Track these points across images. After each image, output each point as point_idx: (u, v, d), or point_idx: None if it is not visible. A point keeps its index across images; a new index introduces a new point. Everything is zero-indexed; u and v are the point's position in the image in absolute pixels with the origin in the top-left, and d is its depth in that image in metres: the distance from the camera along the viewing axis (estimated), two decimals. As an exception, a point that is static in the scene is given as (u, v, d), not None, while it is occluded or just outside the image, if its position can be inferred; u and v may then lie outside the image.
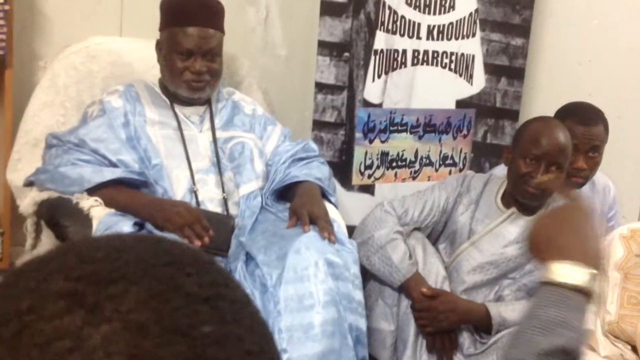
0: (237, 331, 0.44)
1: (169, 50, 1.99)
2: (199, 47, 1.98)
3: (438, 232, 2.14)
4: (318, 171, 2.11)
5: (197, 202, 1.95)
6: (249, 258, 1.86)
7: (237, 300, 0.46)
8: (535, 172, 1.92)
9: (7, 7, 2.08)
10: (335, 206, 2.12)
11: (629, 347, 1.64)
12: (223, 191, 2.00)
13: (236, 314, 0.45)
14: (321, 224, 1.89)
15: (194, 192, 1.96)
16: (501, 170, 2.16)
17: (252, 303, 0.48)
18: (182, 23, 1.98)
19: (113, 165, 1.92)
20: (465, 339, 1.97)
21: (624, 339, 1.64)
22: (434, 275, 1.99)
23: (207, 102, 2.11)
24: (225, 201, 2.00)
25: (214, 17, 2.04)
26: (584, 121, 2.14)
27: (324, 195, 2.10)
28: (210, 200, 1.98)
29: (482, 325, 1.95)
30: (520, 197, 2.00)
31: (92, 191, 1.86)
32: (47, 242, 1.92)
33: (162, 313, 0.42)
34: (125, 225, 1.77)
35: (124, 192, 1.87)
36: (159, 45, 2.05)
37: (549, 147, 1.91)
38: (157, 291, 0.43)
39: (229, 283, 0.47)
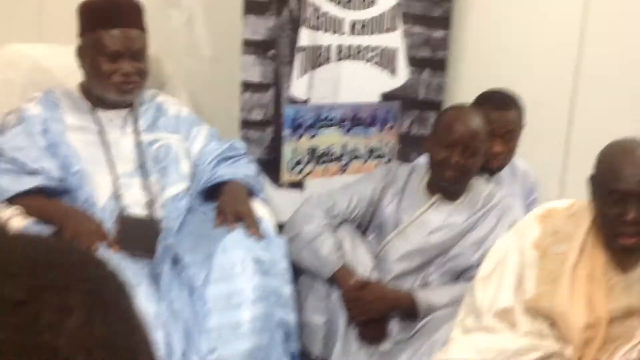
0: (44, 340, 0.42)
1: (95, 53, 1.97)
2: (127, 48, 1.96)
3: (366, 223, 2.17)
4: (244, 169, 2.12)
5: (121, 207, 1.94)
6: (176, 260, 1.86)
7: (66, 308, 0.43)
8: (451, 157, 1.98)
9: None
10: (264, 203, 2.14)
11: (547, 323, 1.69)
12: (148, 194, 2.00)
13: (55, 325, 0.43)
14: (247, 221, 1.90)
15: (117, 196, 1.95)
16: (425, 159, 2.20)
17: (94, 313, 0.44)
18: (106, 25, 1.96)
19: (33, 173, 1.89)
20: (394, 326, 2.01)
21: (544, 315, 1.70)
22: (362, 265, 2.03)
23: (130, 105, 2.10)
24: (150, 204, 1.99)
25: (137, 18, 2.03)
26: (499, 106, 2.20)
27: (252, 193, 2.11)
28: (136, 204, 1.97)
29: (410, 311, 1.99)
30: (440, 183, 2.05)
31: (11, 200, 1.84)
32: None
33: None
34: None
35: (42, 201, 1.85)
36: (81, 51, 2.02)
37: (461, 133, 1.97)
38: None
39: (70, 287, 0.45)
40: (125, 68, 1.96)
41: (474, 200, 2.09)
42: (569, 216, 1.72)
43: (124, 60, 1.96)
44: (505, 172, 2.30)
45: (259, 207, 2.07)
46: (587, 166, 1.71)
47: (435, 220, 2.07)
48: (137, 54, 1.98)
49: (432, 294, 1.98)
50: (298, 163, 2.53)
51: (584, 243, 1.67)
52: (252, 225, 1.90)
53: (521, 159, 2.37)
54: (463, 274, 2.05)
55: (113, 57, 1.95)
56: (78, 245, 0.51)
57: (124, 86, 1.98)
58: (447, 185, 2.05)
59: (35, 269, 0.45)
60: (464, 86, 2.72)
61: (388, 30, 2.60)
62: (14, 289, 0.43)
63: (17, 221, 1.79)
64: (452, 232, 2.06)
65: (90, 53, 1.97)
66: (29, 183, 1.85)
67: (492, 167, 2.22)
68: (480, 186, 2.12)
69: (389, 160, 2.63)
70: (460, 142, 1.98)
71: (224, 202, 1.97)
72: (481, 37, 2.75)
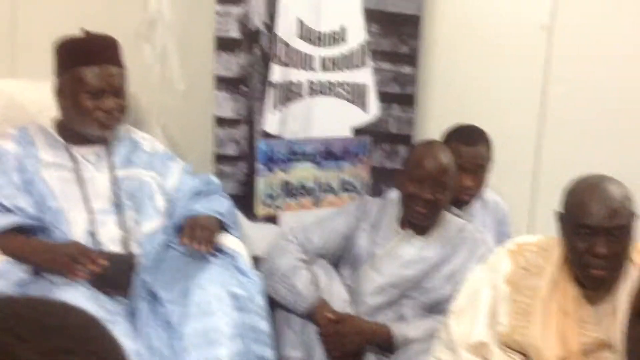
0: None
1: (76, 91, 1.98)
2: (110, 85, 1.99)
3: (341, 257, 2.19)
4: (219, 205, 2.14)
5: (97, 244, 1.94)
6: (153, 297, 1.86)
7: None
8: (421, 192, 2.02)
9: None
10: (238, 238, 2.15)
11: (522, 357, 1.73)
12: (124, 230, 2.00)
13: None
14: (203, 233, 1.92)
15: (92, 233, 1.95)
16: (396, 193, 2.24)
17: None
18: (86, 63, 1.98)
19: (8, 211, 1.88)
20: (370, 359, 2.03)
21: (517, 349, 1.73)
22: (338, 299, 2.05)
23: (105, 141, 2.10)
24: (125, 240, 1.99)
25: (116, 54, 2.06)
26: (467, 141, 2.27)
27: (224, 229, 2.12)
28: (111, 241, 1.97)
29: (386, 344, 2.02)
30: (410, 218, 2.10)
31: (-14, 239, 1.83)
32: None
33: None
34: (22, 273, 1.75)
35: (17, 239, 1.85)
36: (60, 88, 2.02)
37: (430, 168, 2.03)
38: None
39: (76, 349, 0.49)
40: (107, 104, 1.98)
41: (445, 234, 2.14)
42: (539, 251, 1.77)
43: (106, 97, 1.98)
44: (476, 205, 2.36)
45: (234, 242, 2.09)
46: (555, 199, 1.77)
47: (408, 254, 2.11)
48: (118, 90, 2.01)
49: (408, 327, 2.01)
50: (272, 197, 2.55)
51: (554, 277, 1.71)
52: (196, 236, 1.91)
53: (490, 191, 2.43)
54: (437, 307, 2.08)
55: (95, 94, 1.97)
56: (77, 308, 0.56)
57: (106, 122, 2.00)
58: (417, 219, 2.09)
59: (44, 334, 0.49)
60: (433, 121, 2.79)
61: (357, 66, 2.66)
62: (29, 352, 0.47)
63: (-7, 260, 1.78)
64: (425, 265, 2.10)
65: (71, 90, 1.98)
66: (4, 221, 1.84)
67: (462, 200, 2.28)
68: (451, 220, 2.17)
69: (362, 194, 2.67)
70: (429, 177, 2.03)
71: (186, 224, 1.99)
72: (448, 73, 2.83)
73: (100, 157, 2.08)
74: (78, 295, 1.68)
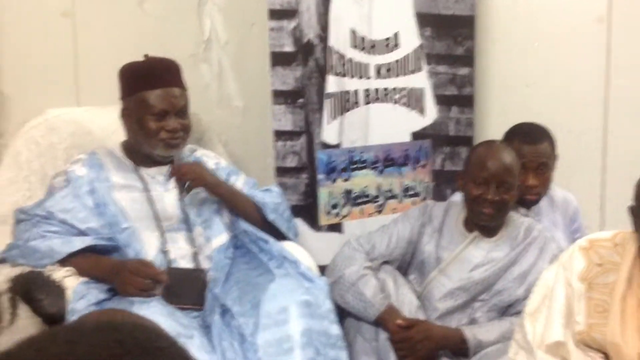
0: None
1: (141, 113, 2.04)
2: (174, 106, 2.05)
3: (407, 263, 2.19)
4: (266, 196, 2.20)
5: (169, 261, 1.98)
6: (225, 310, 1.89)
7: None
8: (486, 193, 2.00)
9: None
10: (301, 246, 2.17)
11: (601, 355, 1.68)
12: (193, 246, 2.04)
13: None
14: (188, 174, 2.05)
15: (164, 251, 2.00)
16: (459, 196, 2.23)
17: None
18: (152, 86, 2.04)
19: (82, 233, 1.95)
20: (444, 364, 2.02)
21: (596, 347, 1.69)
22: (408, 305, 2.04)
23: (171, 162, 2.16)
24: (195, 256, 2.03)
25: (177, 76, 2.12)
26: (529, 140, 2.22)
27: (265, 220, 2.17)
28: (182, 257, 2.02)
29: (459, 349, 2.00)
30: (477, 220, 2.07)
31: (63, 261, 1.89)
32: (25, 316, 1.93)
33: None
34: (100, 293, 1.80)
35: (90, 259, 1.91)
36: (126, 112, 2.08)
37: (494, 168, 2.01)
38: None
39: None
40: (171, 125, 2.04)
41: (513, 234, 2.11)
42: (614, 246, 1.73)
43: (170, 118, 2.04)
44: (543, 204, 2.31)
45: (297, 250, 2.12)
46: (626, 192, 1.72)
47: (476, 257, 2.09)
48: (181, 110, 2.07)
49: (481, 330, 1.99)
50: (335, 206, 2.56)
51: (630, 272, 1.67)
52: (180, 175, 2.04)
53: (559, 188, 2.38)
54: (509, 309, 2.05)
55: (160, 115, 2.03)
56: (154, 327, 0.58)
57: (172, 141, 2.06)
58: (484, 221, 2.07)
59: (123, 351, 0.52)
60: (493, 121, 2.76)
61: (413, 71, 2.65)
62: None
63: (71, 281, 1.85)
64: (494, 267, 2.07)
65: (136, 113, 2.04)
66: (79, 243, 1.90)
67: (528, 200, 2.24)
68: (518, 220, 2.14)
69: (424, 199, 2.65)
70: (494, 178, 2.01)
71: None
72: (506, 72, 2.79)
73: (168, 176, 2.13)
74: (154, 312, 1.73)
